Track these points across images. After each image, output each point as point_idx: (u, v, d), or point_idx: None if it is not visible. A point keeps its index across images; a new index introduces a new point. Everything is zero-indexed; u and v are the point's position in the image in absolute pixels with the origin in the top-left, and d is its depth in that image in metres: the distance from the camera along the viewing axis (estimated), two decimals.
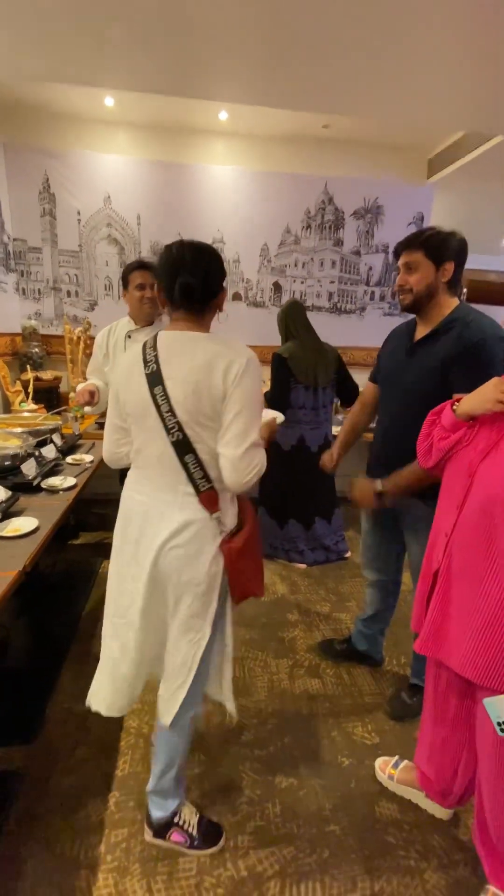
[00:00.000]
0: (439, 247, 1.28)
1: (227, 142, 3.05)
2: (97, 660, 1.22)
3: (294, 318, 2.40)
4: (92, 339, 3.06)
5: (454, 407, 1.02)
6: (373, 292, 3.39)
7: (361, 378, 3.45)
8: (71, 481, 1.74)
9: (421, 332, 1.38)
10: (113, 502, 1.94)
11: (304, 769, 1.45)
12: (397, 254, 1.36)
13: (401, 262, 1.34)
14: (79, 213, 2.93)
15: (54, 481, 1.73)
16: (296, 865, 1.19)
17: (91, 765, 1.44)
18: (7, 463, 1.72)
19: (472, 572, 0.94)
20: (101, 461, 2.09)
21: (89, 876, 1.15)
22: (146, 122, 2.89)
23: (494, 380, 0.94)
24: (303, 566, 2.61)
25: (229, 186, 3.06)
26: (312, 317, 2.48)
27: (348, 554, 2.71)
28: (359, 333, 3.43)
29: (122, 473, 1.22)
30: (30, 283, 2.97)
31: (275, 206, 3.13)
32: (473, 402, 0.97)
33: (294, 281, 3.29)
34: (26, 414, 2.51)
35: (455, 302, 1.34)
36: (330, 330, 3.33)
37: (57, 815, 1.29)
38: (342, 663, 1.90)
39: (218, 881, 1.15)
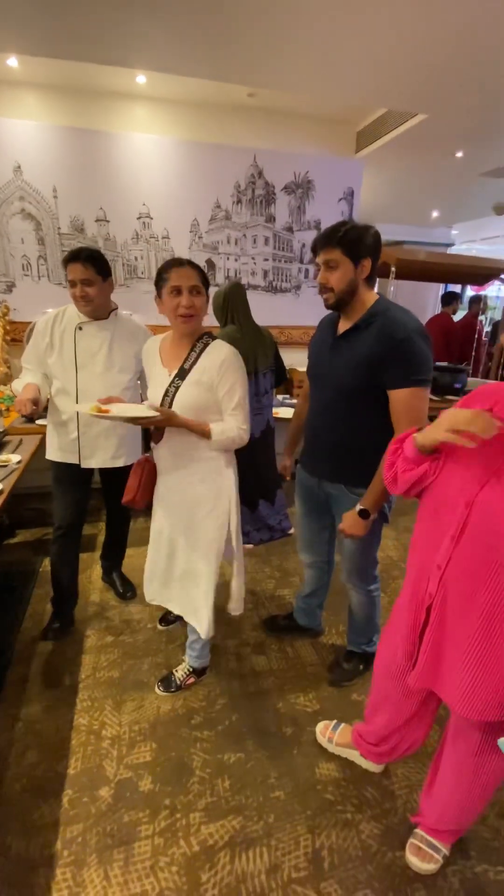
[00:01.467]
0: (357, 244, 1.28)
1: (148, 108, 2.85)
2: (43, 663, 1.25)
3: (235, 302, 2.35)
4: (11, 323, 2.87)
5: (415, 436, 0.98)
6: (307, 270, 3.39)
7: (300, 356, 3.51)
8: None
9: (343, 326, 1.41)
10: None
11: (250, 743, 1.55)
12: (315, 251, 1.35)
13: (319, 259, 1.33)
14: None
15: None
16: (244, 834, 1.29)
17: (42, 767, 1.46)
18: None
19: (475, 608, 0.89)
20: (31, 459, 2.03)
21: (47, 873, 1.19)
22: (56, 84, 2.63)
23: (448, 410, 0.91)
24: (249, 546, 2.69)
25: (154, 156, 2.89)
26: (249, 296, 2.43)
27: (292, 530, 2.82)
28: (295, 312, 3.44)
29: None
30: None
31: (203, 178, 3.00)
32: (427, 433, 0.94)
33: (228, 258, 3.22)
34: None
35: (374, 296, 1.37)
36: (267, 309, 3.32)
37: (11, 819, 1.30)
38: (285, 637, 2.02)
39: (172, 860, 1.23)
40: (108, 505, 2.12)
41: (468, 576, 0.89)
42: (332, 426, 1.46)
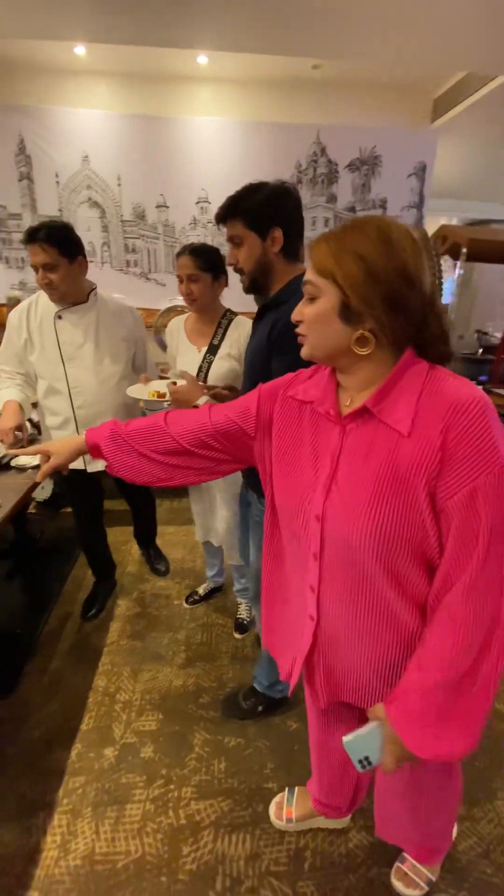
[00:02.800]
0: (258, 213, 1.03)
1: (209, 89, 2.83)
2: (77, 625, 1.34)
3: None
4: None
5: None
6: None
7: None
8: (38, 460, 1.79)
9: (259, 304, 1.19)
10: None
11: (252, 731, 1.55)
12: (219, 225, 1.11)
13: (226, 235, 1.10)
14: (57, 175, 2.83)
15: (24, 459, 1.79)
16: (231, 817, 1.31)
17: (59, 718, 1.58)
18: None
19: (356, 630, 0.76)
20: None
21: (46, 816, 1.30)
22: (121, 70, 2.71)
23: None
24: None
25: (213, 139, 2.88)
26: None
27: None
28: None
29: None
30: (12, 251, 2.94)
31: (263, 159, 2.94)
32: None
33: None
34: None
35: (295, 271, 1.08)
36: None
37: (23, 760, 1.44)
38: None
39: (158, 827, 1.28)
40: (124, 491, 2.10)
41: (343, 599, 0.75)
42: None
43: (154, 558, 2.35)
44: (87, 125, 2.76)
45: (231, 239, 1.08)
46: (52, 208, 2.88)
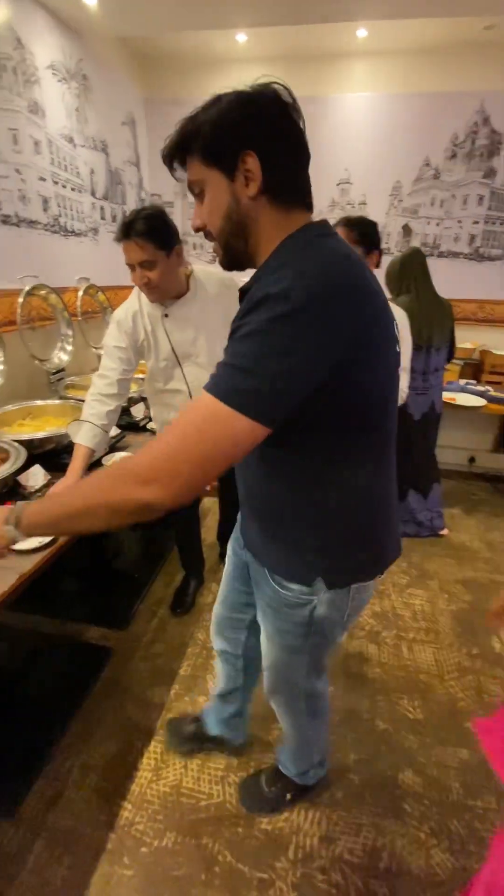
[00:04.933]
0: (214, 136, 0.65)
1: (364, 64, 2.72)
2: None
3: (413, 269, 2.16)
4: None
5: None
6: None
7: (493, 335, 3.01)
8: None
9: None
10: None
11: (340, 719, 1.54)
12: (170, 166, 0.74)
13: (187, 183, 0.73)
14: None
15: (154, 424, 1.97)
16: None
17: (163, 659, 1.74)
18: (123, 404, 2.01)
19: None
20: None
21: (144, 740, 1.45)
22: (279, 54, 2.74)
23: None
24: None
25: (362, 117, 2.78)
26: (446, 264, 2.19)
27: (444, 531, 2.55)
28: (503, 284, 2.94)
29: None
30: None
31: (414, 134, 2.75)
32: None
33: (428, 223, 2.92)
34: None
35: (293, 222, 0.69)
36: (471, 279, 2.94)
37: (130, 690, 1.62)
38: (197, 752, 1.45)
39: (236, 780, 1.35)
40: (222, 486, 2.00)
41: None
42: (246, 483, 0.89)
43: None
44: None
45: (191, 188, 0.72)
46: None
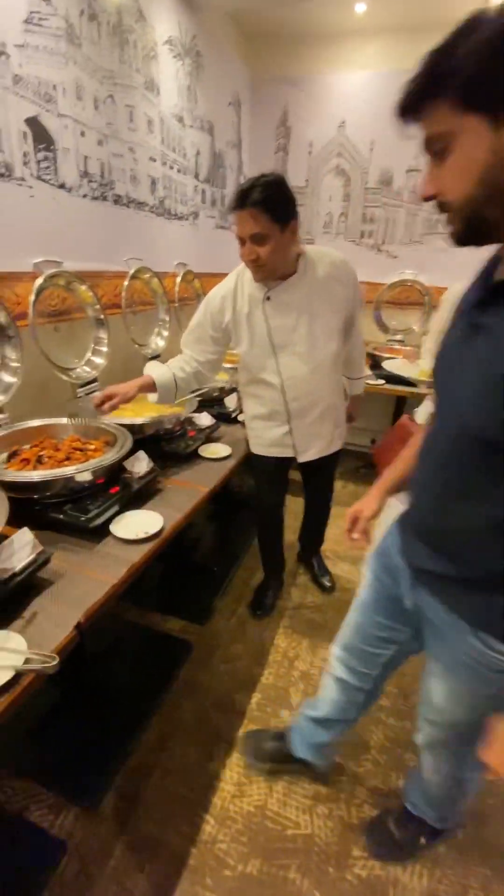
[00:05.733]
0: (490, 68, 0.48)
1: None
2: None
3: None
4: None
5: None
6: None
7: None
8: None
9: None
10: None
11: None
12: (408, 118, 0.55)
13: (423, 140, 0.56)
14: (311, 144, 2.84)
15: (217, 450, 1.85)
16: (444, 838, 1.16)
17: (243, 662, 1.66)
18: (215, 394, 1.94)
19: None
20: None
21: (226, 749, 1.37)
22: (396, 24, 2.51)
23: None
24: None
25: None
26: None
27: None
28: None
29: None
30: None
31: None
32: None
33: None
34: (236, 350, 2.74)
35: None
36: None
37: (211, 692, 1.55)
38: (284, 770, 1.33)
39: (329, 814, 1.23)
40: (311, 485, 1.88)
41: None
42: (439, 500, 0.70)
43: (319, 569, 2.07)
44: (347, 90, 2.68)
45: (430, 144, 0.55)
46: (300, 179, 2.93)
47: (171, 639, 1.73)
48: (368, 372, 1.71)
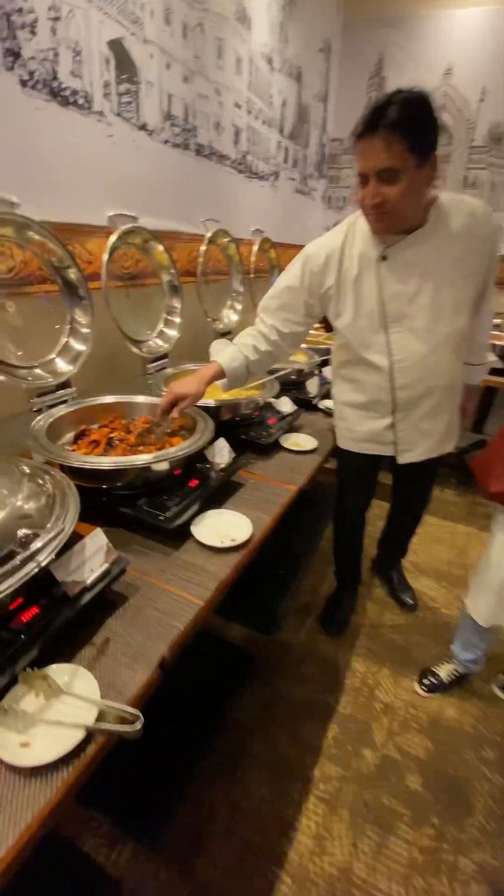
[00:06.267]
0: None
1: None
2: (328, 580, 1.13)
3: None
4: None
5: None
6: None
7: None
8: None
9: None
10: None
11: None
12: None
13: None
14: None
15: (330, 404, 1.64)
16: None
17: (316, 686, 1.46)
18: (293, 377, 1.71)
19: None
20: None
21: (301, 791, 1.18)
22: None
23: None
24: None
25: None
26: None
27: None
28: None
29: None
30: (336, 190, 2.81)
31: None
32: None
33: None
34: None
35: None
36: None
37: (280, 717, 1.36)
38: None
39: (429, 889, 1.01)
40: (404, 491, 1.60)
41: None
42: None
43: (399, 584, 1.82)
44: (455, 30, 2.31)
45: None
46: None
47: (234, 649, 1.55)
48: (493, 358, 1.39)
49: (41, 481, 0.74)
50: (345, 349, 1.24)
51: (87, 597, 0.66)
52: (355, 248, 1.09)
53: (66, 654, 0.63)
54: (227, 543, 0.88)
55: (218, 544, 0.87)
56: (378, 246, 1.06)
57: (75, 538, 0.68)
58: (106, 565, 0.70)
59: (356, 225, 1.10)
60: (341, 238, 1.11)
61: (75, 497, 0.72)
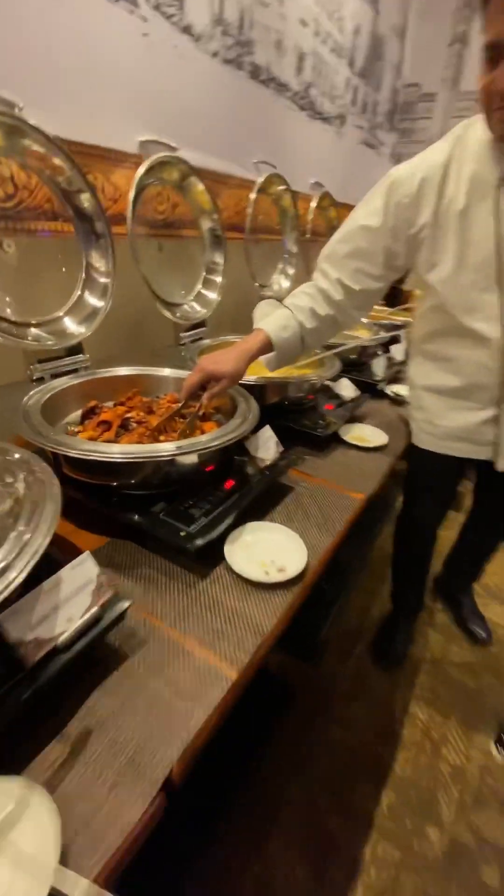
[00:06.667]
0: None
1: None
2: (380, 600, 0.86)
3: None
4: None
5: None
6: None
7: None
8: None
9: None
10: None
11: None
12: None
13: None
14: None
15: (402, 389, 1.34)
16: None
17: (365, 733, 1.19)
18: (353, 356, 1.42)
19: None
20: None
21: (348, 877, 0.93)
22: None
23: None
24: None
25: None
26: None
27: None
28: None
29: None
30: (408, 146, 2.44)
31: None
32: None
33: None
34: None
35: None
36: None
37: (320, 767, 1.11)
38: None
39: None
40: (492, 502, 1.23)
41: None
42: None
43: (469, 612, 1.51)
44: None
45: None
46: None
47: (269, 677, 1.31)
48: None
49: (10, 479, 0.51)
50: (435, 315, 0.92)
51: (59, 663, 0.42)
52: (465, 169, 0.78)
53: (12, 757, 0.39)
54: (275, 576, 0.62)
55: (262, 577, 0.62)
56: (501, 163, 0.75)
57: (51, 566, 0.45)
58: (95, 609, 0.46)
59: (467, 135, 0.78)
60: (444, 154, 0.79)
61: (55, 505, 0.48)
